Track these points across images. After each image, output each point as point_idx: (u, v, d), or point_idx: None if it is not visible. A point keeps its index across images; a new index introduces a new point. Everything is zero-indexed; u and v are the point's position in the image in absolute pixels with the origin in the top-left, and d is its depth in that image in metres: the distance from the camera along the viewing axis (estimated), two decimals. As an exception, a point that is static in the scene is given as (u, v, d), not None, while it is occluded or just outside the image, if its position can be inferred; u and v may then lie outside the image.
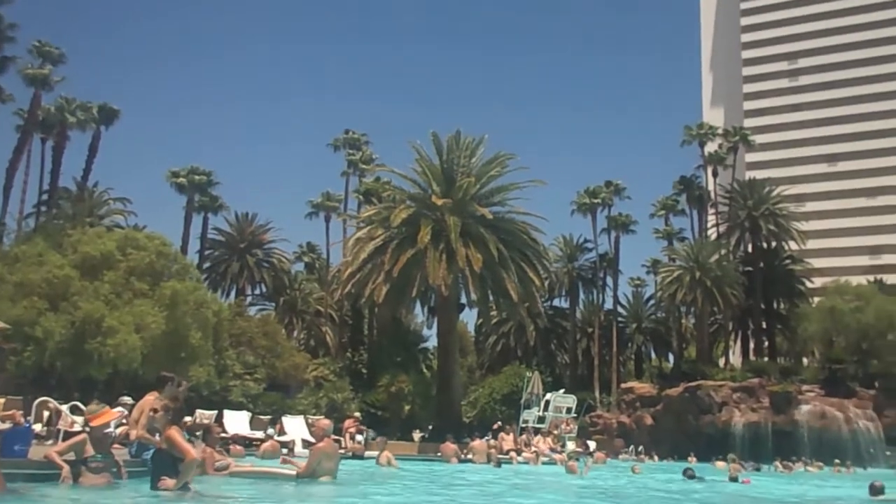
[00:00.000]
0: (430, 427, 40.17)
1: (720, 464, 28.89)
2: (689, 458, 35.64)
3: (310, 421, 27.13)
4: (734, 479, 20.41)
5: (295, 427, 28.33)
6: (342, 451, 20.09)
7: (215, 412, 27.88)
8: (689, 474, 19.92)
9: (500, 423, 33.99)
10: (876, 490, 14.39)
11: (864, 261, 78.78)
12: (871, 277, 61.80)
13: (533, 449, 29.80)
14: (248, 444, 24.65)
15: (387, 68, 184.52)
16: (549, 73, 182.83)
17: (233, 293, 60.12)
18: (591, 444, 44.56)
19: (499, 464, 23.98)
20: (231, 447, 19.53)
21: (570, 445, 29.01)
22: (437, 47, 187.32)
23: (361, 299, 42.63)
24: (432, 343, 52.41)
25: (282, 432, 27.11)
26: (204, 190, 55.23)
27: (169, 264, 33.39)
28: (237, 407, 34.19)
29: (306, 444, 23.53)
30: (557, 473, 21.42)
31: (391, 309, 43.85)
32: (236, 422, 28.50)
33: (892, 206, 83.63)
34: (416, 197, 40.30)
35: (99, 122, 51.48)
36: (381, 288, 36.93)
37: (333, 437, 16.36)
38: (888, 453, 38.99)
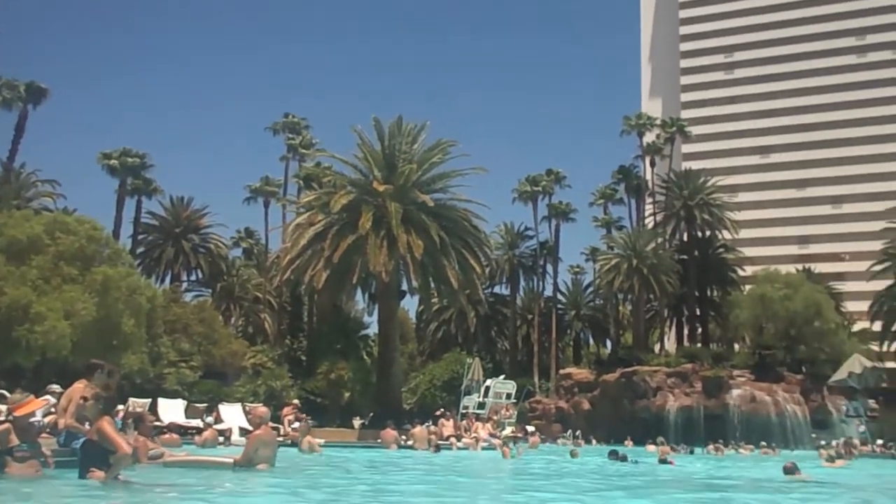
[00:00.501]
0: (371, 414, 40.05)
1: (650, 447, 29.63)
2: (626, 442, 36.35)
3: (247, 408, 26.80)
4: (663, 462, 21.02)
5: (232, 415, 27.98)
6: (280, 438, 19.88)
7: (149, 400, 27.39)
8: (617, 456, 20.58)
9: (442, 409, 34.18)
10: (788, 470, 15.10)
11: (793, 250, 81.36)
12: (800, 266, 63.88)
13: (473, 435, 29.99)
14: (183, 432, 24.27)
15: (327, 53, 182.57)
16: (491, 61, 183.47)
17: (168, 279, 59.04)
18: (530, 429, 45.23)
19: (438, 449, 24.06)
20: (165, 436, 19.15)
21: (507, 431, 29.28)
22: (380, 33, 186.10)
23: (301, 286, 42.16)
24: (373, 330, 52.29)
25: (219, 420, 26.79)
26: (137, 173, 53.86)
27: (100, 249, 32.52)
28: (172, 395, 33.62)
29: (244, 431, 23.23)
30: (496, 459, 21.61)
31: (331, 296, 43.50)
32: (171, 410, 28.03)
33: (821, 198, 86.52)
34: (357, 183, 39.96)
35: (26, 100, 49.57)
36: (320, 274, 36.56)
37: (271, 424, 16.17)
38: (813, 435, 40.41)
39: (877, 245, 50.27)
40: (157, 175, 56.51)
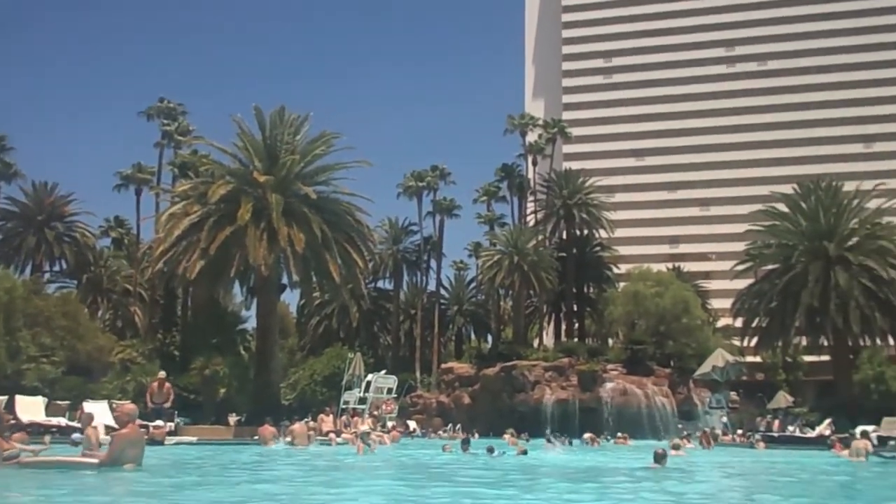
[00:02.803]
0: (248, 411, 38.99)
1: (506, 437, 31.28)
2: (504, 436, 36.91)
3: (114, 406, 25.50)
4: (524, 453, 23.04)
5: (97, 413, 26.55)
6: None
7: (5, 398, 25.87)
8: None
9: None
10: (659, 457, 15.87)
11: (664, 249, 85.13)
12: (671, 265, 66.94)
13: (353, 430, 29.70)
14: (43, 431, 22.99)
15: (207, 37, 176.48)
16: (378, 54, 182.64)
17: (28, 269, 55.69)
18: (412, 424, 45.34)
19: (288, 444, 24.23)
20: (20, 434, 17.90)
21: (364, 427, 29.28)
22: (263, 20, 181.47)
23: (175, 278, 40.51)
24: (251, 324, 50.98)
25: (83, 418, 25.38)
26: (-4, 155, 50.47)
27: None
28: (31, 392, 31.87)
29: (109, 430, 22.08)
30: (351, 454, 21.58)
31: (208, 289, 42.13)
32: (30, 408, 26.57)
33: (691, 200, 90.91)
34: (236, 172, 38.70)
35: None
36: (195, 266, 35.22)
37: (139, 422, 15.42)
38: (680, 426, 42.36)
39: (740, 246, 53.16)
40: (18, 158, 53.58)
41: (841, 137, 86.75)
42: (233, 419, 38.63)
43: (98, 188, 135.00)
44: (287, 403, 46.20)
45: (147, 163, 56.29)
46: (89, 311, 51.46)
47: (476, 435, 40.78)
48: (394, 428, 36.78)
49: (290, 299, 69.31)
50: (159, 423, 25.23)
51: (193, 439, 28.62)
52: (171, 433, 28.17)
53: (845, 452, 25.01)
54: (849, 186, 47.21)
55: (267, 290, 39.54)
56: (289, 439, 26.45)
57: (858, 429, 31.27)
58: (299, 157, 38.32)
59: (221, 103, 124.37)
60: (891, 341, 46.03)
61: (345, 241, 38.78)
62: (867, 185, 47.16)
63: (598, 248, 64.91)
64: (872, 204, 46.58)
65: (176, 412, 31.49)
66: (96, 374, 43.57)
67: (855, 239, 45.26)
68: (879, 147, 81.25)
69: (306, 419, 33.06)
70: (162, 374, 29.39)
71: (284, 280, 40.61)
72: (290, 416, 34.60)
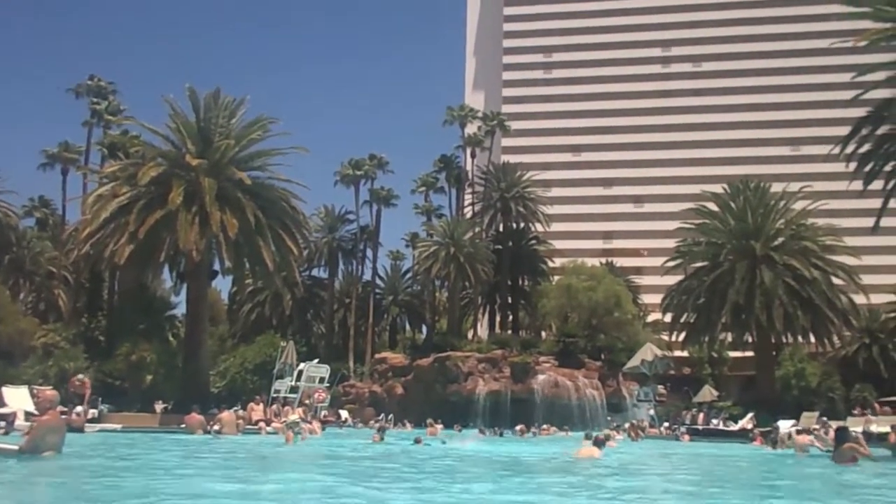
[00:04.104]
0: (175, 398, 38.15)
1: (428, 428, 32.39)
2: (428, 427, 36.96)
3: (35, 392, 24.70)
4: (443, 442, 24.56)
5: (17, 398, 25.80)
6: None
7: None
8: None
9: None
10: (599, 441, 16.63)
11: (598, 244, 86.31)
12: (604, 260, 67.97)
13: (283, 419, 29.32)
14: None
15: (142, 17, 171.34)
16: (318, 40, 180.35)
17: (-56, 249, 53.19)
18: (344, 414, 45.08)
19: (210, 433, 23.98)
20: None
21: (293, 416, 29.06)
22: (201, 4, 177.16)
23: (102, 262, 39.28)
24: (181, 310, 49.86)
25: (1, 404, 24.69)
26: (-89, 129, 48.05)
27: None
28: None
29: (29, 416, 21.43)
30: (279, 444, 21.38)
31: (136, 273, 41.09)
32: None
33: (624, 196, 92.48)
34: (167, 155, 37.72)
35: None
36: (123, 250, 34.24)
37: (61, 408, 14.97)
38: (609, 418, 43.12)
39: (671, 243, 54.24)
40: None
41: (770, 140, 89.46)
42: (159, 407, 37.80)
43: (21, 166, 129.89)
44: (216, 391, 45.41)
45: (75, 142, 54.67)
46: (10, 293, 49.59)
47: (408, 425, 40.77)
48: (325, 418, 36.52)
49: (222, 286, 68.20)
50: (79, 409, 24.50)
51: (118, 427, 27.99)
52: (94, 420, 27.44)
53: (767, 445, 25.91)
54: (776, 188, 48.62)
55: (198, 275, 38.72)
56: (217, 427, 26.04)
57: (780, 423, 32.36)
58: (234, 142, 37.60)
59: (155, 84, 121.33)
60: (812, 339, 47.66)
61: (279, 228, 38.23)
62: (793, 187, 48.63)
63: (533, 242, 65.49)
64: (798, 205, 48.08)
65: (99, 399, 30.63)
66: (17, 359, 42.10)
67: (780, 239, 46.67)
68: (806, 150, 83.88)
69: (236, 408, 32.56)
70: (80, 376, 28.55)
71: (216, 266, 39.83)
72: (219, 404, 34.04)
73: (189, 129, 37.73)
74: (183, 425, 27.33)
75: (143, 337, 41.28)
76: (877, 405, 37.20)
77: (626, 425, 37.28)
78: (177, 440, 22.26)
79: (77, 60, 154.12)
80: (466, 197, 67.90)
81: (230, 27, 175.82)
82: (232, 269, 39.61)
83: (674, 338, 52.33)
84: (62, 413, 17.32)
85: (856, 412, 35.89)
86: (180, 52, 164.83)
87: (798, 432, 25.47)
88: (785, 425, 31.77)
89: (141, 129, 42.41)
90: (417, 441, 22.67)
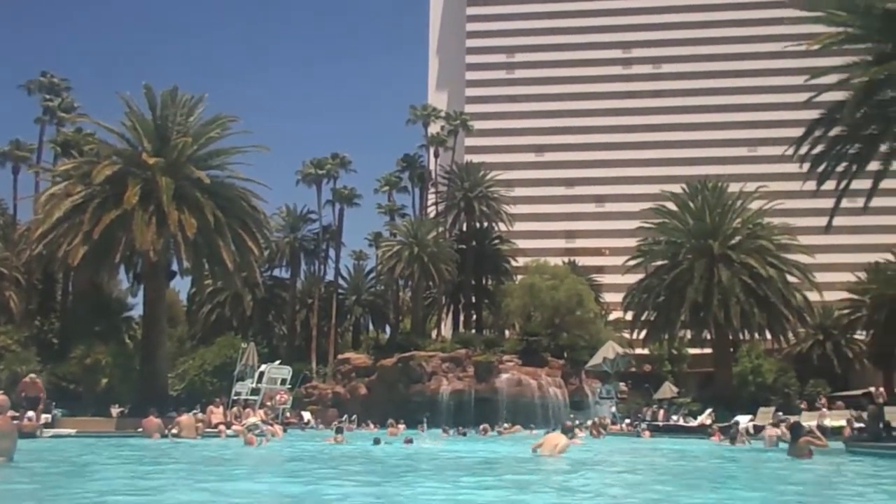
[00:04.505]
0: (132, 402, 37.43)
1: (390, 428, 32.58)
2: (398, 425, 36.82)
3: (-17, 397, 23.92)
4: (409, 442, 24.49)
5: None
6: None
7: None
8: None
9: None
10: (566, 429, 17.06)
11: (561, 244, 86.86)
12: (566, 259, 68.37)
13: (244, 422, 28.91)
14: None
15: (97, 13, 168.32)
16: (279, 39, 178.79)
17: None
18: (306, 415, 44.69)
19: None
20: None
21: (253, 419, 28.75)
22: (160, 5, 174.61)
23: (55, 262, 38.36)
24: (138, 312, 48.92)
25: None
26: None
27: None
28: None
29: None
30: (239, 446, 21.11)
31: (90, 274, 40.19)
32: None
33: (587, 196, 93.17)
34: (123, 153, 36.89)
35: None
36: (77, 250, 33.39)
37: (11, 413, 14.58)
38: (571, 416, 43.30)
39: (632, 242, 54.69)
40: None
41: (728, 141, 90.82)
42: (115, 410, 37.06)
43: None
44: (175, 394, 44.74)
45: (26, 139, 53.63)
46: (-42, 296, 48.16)
47: (372, 426, 40.56)
48: (287, 420, 36.16)
49: (181, 286, 67.21)
50: (31, 414, 23.83)
51: (72, 432, 27.30)
52: (47, 425, 26.75)
53: (726, 441, 26.23)
54: (734, 188, 49.30)
55: (155, 276, 37.95)
56: (175, 431, 25.60)
57: (739, 418, 32.79)
58: (192, 140, 36.85)
59: (109, 82, 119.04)
60: (768, 335, 48.41)
61: (239, 228, 37.65)
62: (750, 186, 49.33)
63: (496, 241, 65.65)
64: (754, 205, 48.77)
65: (53, 403, 29.90)
66: (-35, 363, 40.83)
67: (737, 238, 47.32)
68: (763, 151, 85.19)
69: (195, 411, 32.05)
70: (32, 375, 27.76)
71: (174, 266, 39.12)
72: (178, 407, 33.49)
73: (145, 127, 36.97)
74: (140, 429, 26.80)
75: (98, 339, 40.40)
76: (825, 399, 37.93)
77: (589, 423, 37.49)
78: (133, 444, 21.82)
79: (29, 56, 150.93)
80: (430, 196, 67.82)
81: (189, 26, 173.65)
82: (190, 269, 38.89)
83: (635, 335, 52.77)
84: (13, 418, 16.86)
85: (803, 407, 36.57)
86: (137, 51, 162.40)
87: (773, 425, 25.86)
88: (743, 420, 32.25)
89: (95, 127, 41.54)
90: (377, 441, 22.57)
